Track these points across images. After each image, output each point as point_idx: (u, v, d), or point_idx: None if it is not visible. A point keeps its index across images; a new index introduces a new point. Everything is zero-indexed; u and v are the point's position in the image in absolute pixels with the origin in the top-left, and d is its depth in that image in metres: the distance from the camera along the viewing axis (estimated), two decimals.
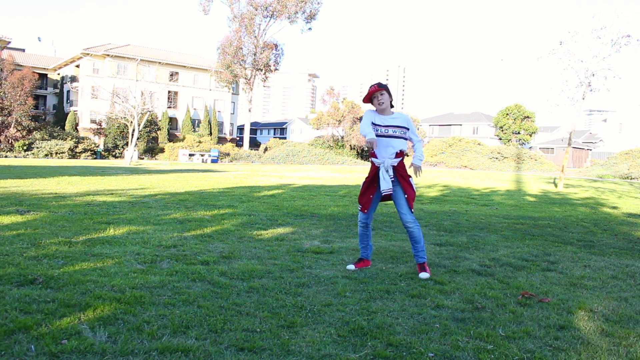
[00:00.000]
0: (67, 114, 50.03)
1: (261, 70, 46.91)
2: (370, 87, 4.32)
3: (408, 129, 4.32)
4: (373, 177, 4.32)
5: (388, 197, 4.31)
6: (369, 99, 4.35)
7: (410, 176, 4.38)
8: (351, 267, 4.39)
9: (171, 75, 52.13)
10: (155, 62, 49.61)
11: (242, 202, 9.48)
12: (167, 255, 4.57)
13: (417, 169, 4.48)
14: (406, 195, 4.28)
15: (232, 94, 56.49)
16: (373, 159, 4.32)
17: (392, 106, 4.37)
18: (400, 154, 4.31)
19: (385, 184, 4.20)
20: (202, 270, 4.07)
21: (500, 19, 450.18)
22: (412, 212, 4.30)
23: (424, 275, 4.19)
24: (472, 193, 14.47)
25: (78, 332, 2.64)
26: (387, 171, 4.23)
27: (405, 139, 4.34)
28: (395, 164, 4.28)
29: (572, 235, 6.96)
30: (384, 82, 4.28)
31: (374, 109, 4.37)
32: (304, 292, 3.62)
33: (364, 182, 4.40)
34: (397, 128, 4.25)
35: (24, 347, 2.44)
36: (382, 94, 4.27)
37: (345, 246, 5.41)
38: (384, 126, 4.24)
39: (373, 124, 4.23)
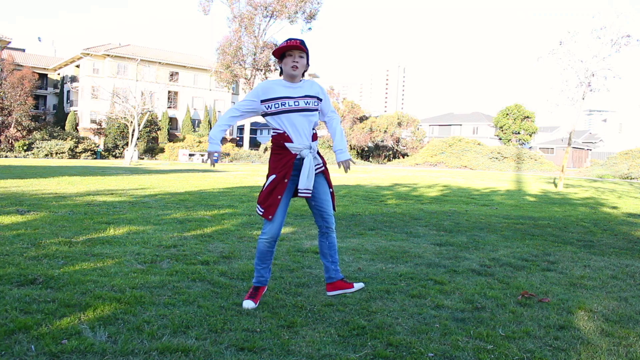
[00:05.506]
0: (67, 114, 50.04)
1: (261, 70, 46.89)
2: (289, 41, 3.10)
3: (321, 100, 3.27)
4: (286, 171, 3.16)
5: (296, 194, 3.28)
6: (280, 54, 3.15)
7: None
8: (249, 304, 3.19)
9: (171, 75, 52.14)
10: (155, 62, 49.64)
11: (242, 202, 9.48)
12: (167, 255, 4.57)
13: (347, 166, 3.36)
14: (331, 190, 3.35)
15: (232, 94, 56.50)
16: (288, 144, 3.16)
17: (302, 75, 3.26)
18: (316, 136, 3.28)
19: (308, 181, 3.15)
20: (202, 270, 4.07)
21: (501, 19, 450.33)
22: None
23: (358, 285, 3.38)
24: (472, 193, 14.47)
25: (78, 332, 2.64)
26: (315, 158, 3.22)
27: (317, 110, 3.26)
28: (316, 149, 3.27)
29: (572, 235, 6.96)
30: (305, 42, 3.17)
31: (272, 80, 3.23)
32: (304, 292, 3.62)
33: (272, 179, 3.19)
34: (310, 98, 3.19)
35: (24, 347, 2.44)
36: (301, 56, 3.14)
37: (345, 246, 5.40)
38: (296, 97, 3.15)
39: (281, 97, 3.14)
